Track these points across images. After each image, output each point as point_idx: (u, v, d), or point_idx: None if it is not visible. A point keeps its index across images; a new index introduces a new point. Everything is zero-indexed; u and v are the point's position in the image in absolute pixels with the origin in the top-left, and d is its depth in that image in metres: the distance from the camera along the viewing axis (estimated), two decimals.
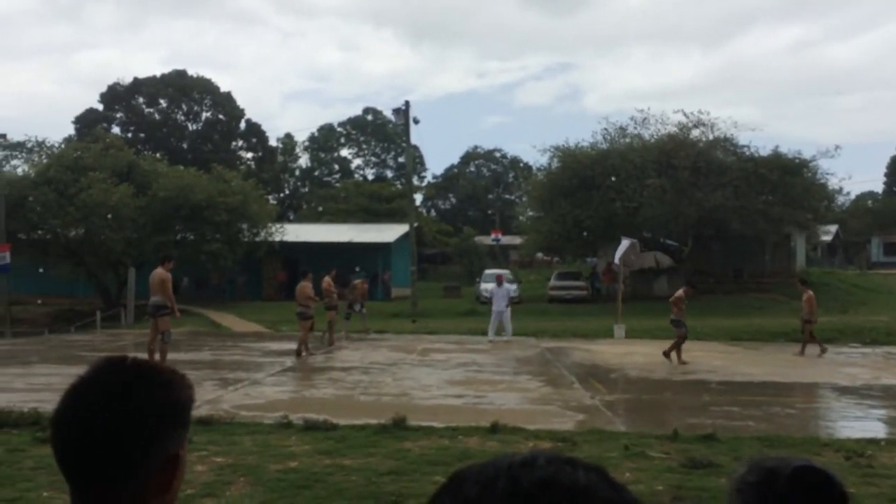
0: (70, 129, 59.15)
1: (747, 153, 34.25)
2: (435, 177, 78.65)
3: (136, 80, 61.84)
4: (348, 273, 36.56)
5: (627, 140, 36.46)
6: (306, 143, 73.50)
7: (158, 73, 63.03)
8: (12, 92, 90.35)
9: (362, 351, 18.85)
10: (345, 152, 76.21)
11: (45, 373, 14.46)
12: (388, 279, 39.53)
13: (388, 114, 52.83)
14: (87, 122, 57.31)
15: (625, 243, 22.92)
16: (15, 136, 38.25)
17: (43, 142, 38.65)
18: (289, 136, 72.69)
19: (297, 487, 6.40)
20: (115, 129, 57.49)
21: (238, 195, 34.22)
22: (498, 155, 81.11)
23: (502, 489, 0.71)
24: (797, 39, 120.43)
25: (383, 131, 73.45)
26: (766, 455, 1.50)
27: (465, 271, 48.78)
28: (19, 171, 36.41)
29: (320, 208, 58.96)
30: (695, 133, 34.86)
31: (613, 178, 33.06)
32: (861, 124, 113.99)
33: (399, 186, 61.60)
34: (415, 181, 61.96)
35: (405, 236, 36.91)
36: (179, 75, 62.38)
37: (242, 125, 65.31)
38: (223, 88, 63.95)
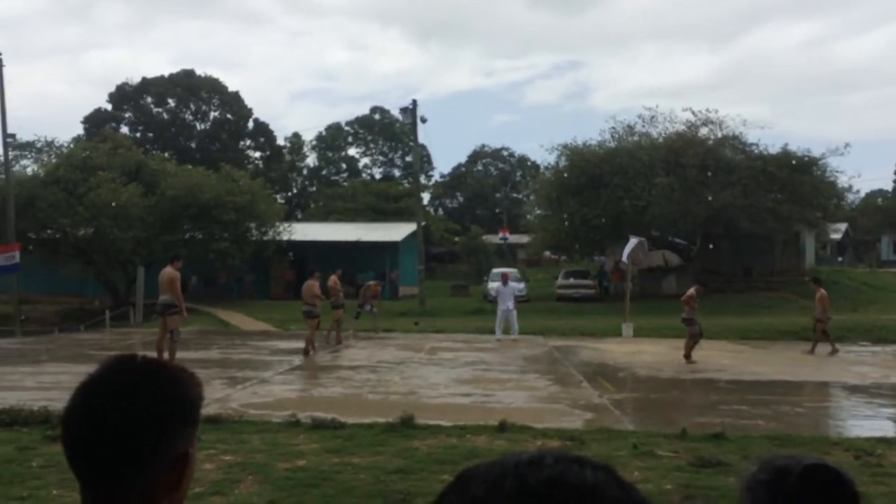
0: (79, 129, 59.49)
1: (756, 151, 34.10)
2: (442, 175, 78.74)
3: (144, 79, 62.07)
4: (356, 272, 36.78)
5: (636, 138, 36.33)
6: (314, 143, 73.67)
7: (167, 73, 63.37)
8: (22, 92, 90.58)
9: (370, 350, 18.87)
10: (352, 151, 76.36)
11: (55, 371, 14.53)
12: (396, 278, 39.56)
13: (396, 113, 52.92)
14: (95, 121, 57.59)
15: (633, 242, 22.87)
16: (25, 136, 38.61)
17: (52, 142, 38.92)
18: (296, 136, 72.88)
19: (306, 486, 6.41)
20: (124, 129, 57.79)
21: (246, 194, 34.31)
22: (505, 153, 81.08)
23: (510, 488, 0.71)
24: (806, 37, 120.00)
25: (391, 130, 73.48)
26: (777, 453, 1.50)
27: (472, 270, 48.74)
28: (29, 170, 36.65)
29: (323, 205, 59.08)
30: (703, 131, 34.73)
31: (620, 176, 32.99)
32: (871, 122, 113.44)
33: (406, 185, 61.61)
34: (422, 180, 61.97)
35: (413, 235, 36.93)
36: (187, 75, 62.58)
37: (250, 124, 65.48)
38: (231, 88, 64.25)
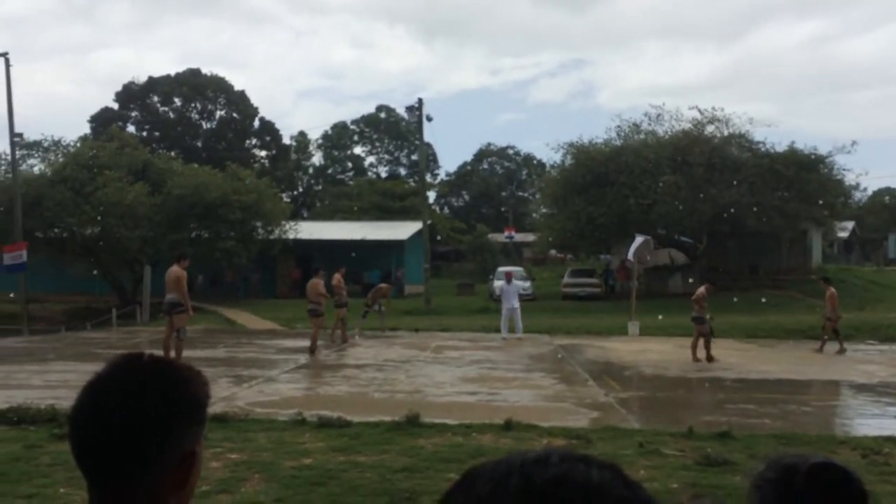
0: (86, 128, 59.64)
1: (762, 149, 34.01)
2: (448, 174, 78.68)
3: (150, 79, 62.25)
4: (362, 271, 36.79)
5: (642, 136, 36.28)
6: (320, 141, 73.73)
7: (173, 73, 63.50)
8: (29, 92, 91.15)
9: (376, 348, 18.89)
10: (358, 150, 76.41)
11: (62, 370, 14.58)
12: (402, 276, 39.57)
13: (402, 111, 52.73)
14: (102, 121, 57.76)
15: (639, 240, 22.85)
16: (32, 135, 38.50)
17: (59, 141, 38.95)
18: (302, 134, 72.95)
19: (312, 484, 6.42)
20: (130, 128, 57.91)
21: (252, 193, 34.37)
22: (511, 152, 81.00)
23: (515, 487, 0.70)
24: (813, 34, 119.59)
25: (396, 129, 73.49)
26: (785, 452, 1.50)
27: (478, 268, 48.74)
28: (36, 170, 36.71)
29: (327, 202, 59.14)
30: (709, 129, 34.65)
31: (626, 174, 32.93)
32: (878, 119, 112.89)
33: (412, 184, 61.60)
34: (428, 179, 61.90)
35: (418, 234, 36.93)
36: (193, 74, 62.70)
37: (256, 123, 65.58)
38: (237, 87, 64.33)
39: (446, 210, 74.99)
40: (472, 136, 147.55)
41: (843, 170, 34.32)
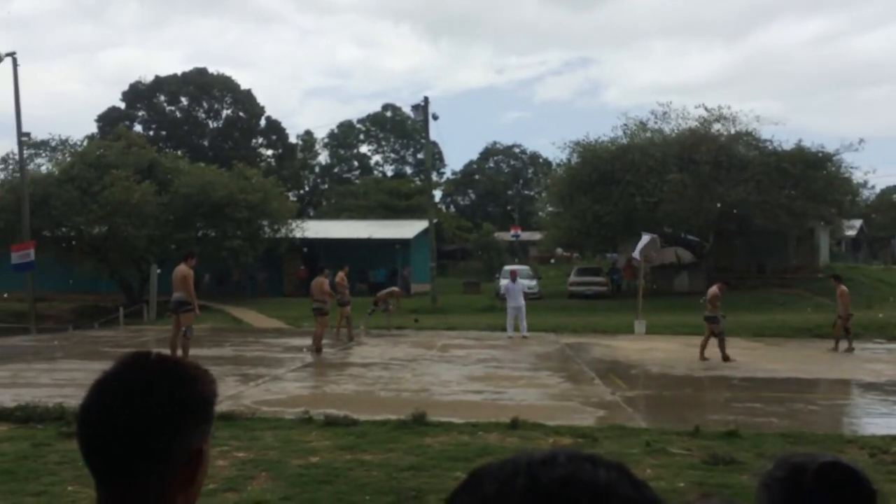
0: (93, 128, 59.92)
1: (770, 147, 33.86)
2: (454, 173, 78.60)
3: (157, 78, 62.38)
4: (368, 270, 36.82)
5: (648, 135, 36.19)
6: (326, 140, 73.79)
7: (179, 72, 63.63)
8: (37, 91, 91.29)
9: (382, 347, 18.90)
10: (364, 149, 76.43)
11: (70, 368, 14.64)
12: (408, 275, 39.60)
13: (408, 110, 52.84)
14: (109, 120, 57.91)
15: (645, 238, 22.80)
16: (39, 134, 38.81)
17: (66, 140, 39.18)
18: (308, 133, 73.03)
19: (318, 482, 6.43)
20: (137, 127, 58.05)
21: (258, 192, 34.43)
22: (517, 150, 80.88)
23: (522, 487, 0.70)
24: (820, 32, 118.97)
25: (402, 128, 73.51)
26: (794, 451, 1.49)
27: (484, 267, 48.73)
28: (43, 169, 36.88)
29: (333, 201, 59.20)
30: (716, 127, 34.54)
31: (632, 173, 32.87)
32: (886, 117, 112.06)
33: (418, 182, 61.62)
34: (434, 177, 61.84)
35: (425, 232, 36.94)
36: (200, 73, 62.82)
37: (262, 122, 65.67)
38: (243, 86, 64.40)
39: (452, 209, 74.98)
40: (478, 134, 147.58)
41: (851, 168, 34.19)
